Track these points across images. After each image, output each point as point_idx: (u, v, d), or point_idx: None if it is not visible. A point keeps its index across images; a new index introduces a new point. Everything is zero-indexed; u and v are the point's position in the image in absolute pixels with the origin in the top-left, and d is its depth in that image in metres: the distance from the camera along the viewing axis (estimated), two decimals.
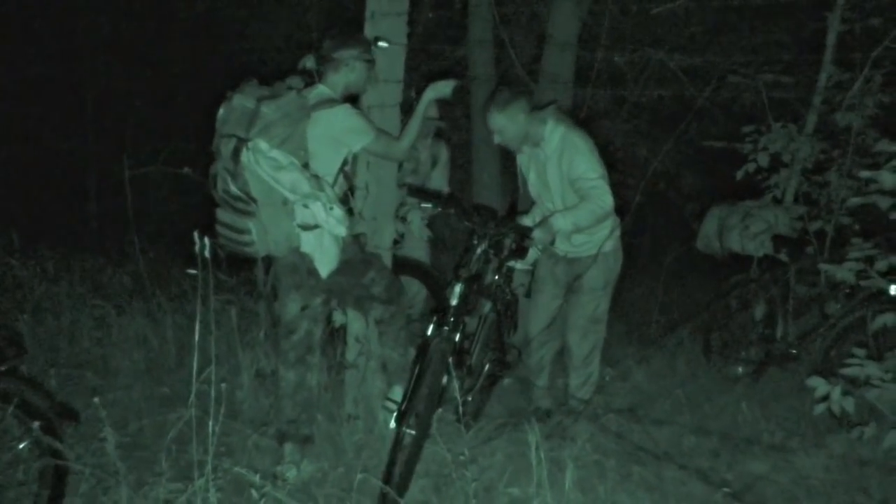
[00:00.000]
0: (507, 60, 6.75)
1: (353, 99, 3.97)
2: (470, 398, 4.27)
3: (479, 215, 3.94)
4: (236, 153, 3.39)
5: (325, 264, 3.65)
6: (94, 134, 8.44)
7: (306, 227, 3.54)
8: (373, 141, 3.73)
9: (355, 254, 3.81)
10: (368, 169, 4.17)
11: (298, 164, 3.45)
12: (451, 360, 3.64)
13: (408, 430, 3.50)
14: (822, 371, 3.80)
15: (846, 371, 3.31)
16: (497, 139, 4.17)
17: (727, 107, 7.10)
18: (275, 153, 3.39)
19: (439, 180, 5.18)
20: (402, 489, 3.45)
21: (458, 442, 4.03)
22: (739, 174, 5.53)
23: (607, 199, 3.97)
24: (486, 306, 4.04)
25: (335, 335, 4.48)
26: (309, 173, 3.49)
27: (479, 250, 4.00)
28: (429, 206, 4.34)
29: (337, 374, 4.36)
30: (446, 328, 3.65)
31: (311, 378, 3.85)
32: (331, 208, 3.46)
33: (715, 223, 5.73)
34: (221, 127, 3.50)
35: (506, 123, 4.08)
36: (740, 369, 5.40)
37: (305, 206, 3.48)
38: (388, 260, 4.31)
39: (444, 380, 3.66)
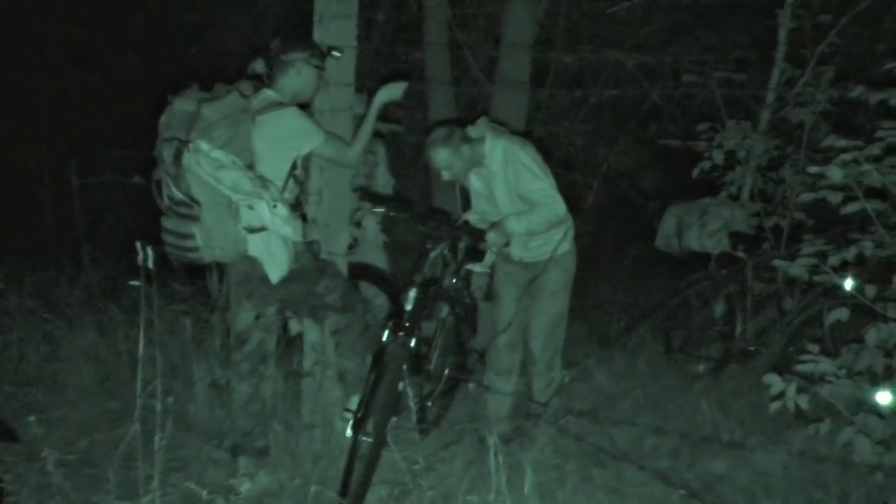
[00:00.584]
0: (464, 63, 6.73)
1: (303, 106, 3.92)
2: (430, 404, 4.24)
3: (433, 219, 3.89)
4: (178, 156, 3.31)
5: (275, 269, 3.57)
6: (46, 142, 8.24)
7: (252, 230, 3.45)
8: (321, 144, 3.66)
9: (308, 261, 3.74)
10: (321, 174, 4.11)
11: (240, 163, 3.37)
12: (406, 366, 3.59)
13: (364, 439, 3.45)
14: (781, 367, 3.80)
15: (800, 368, 3.31)
16: (445, 175, 4.07)
17: (685, 106, 7.13)
18: (216, 153, 3.31)
19: (383, 178, 5.14)
20: (358, 499, 3.39)
21: (416, 449, 4.01)
22: (695, 172, 5.55)
23: (559, 208, 3.95)
24: (444, 310, 4.00)
25: (291, 343, 4.41)
26: (252, 173, 3.40)
27: (433, 254, 3.96)
28: (381, 210, 4.27)
29: (294, 383, 4.29)
30: (402, 334, 3.60)
31: (265, 389, 3.78)
32: (274, 206, 3.38)
33: (673, 222, 5.75)
34: (163, 131, 3.43)
35: (451, 158, 4.00)
36: (701, 367, 5.41)
37: (250, 207, 3.40)
38: (343, 266, 4.25)
39: (401, 386, 3.61)
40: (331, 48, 3.90)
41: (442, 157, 3.99)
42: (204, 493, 3.17)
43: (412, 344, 3.68)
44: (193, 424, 4.08)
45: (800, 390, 3.25)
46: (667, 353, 5.71)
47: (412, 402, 4.03)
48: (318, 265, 3.80)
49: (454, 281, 4.12)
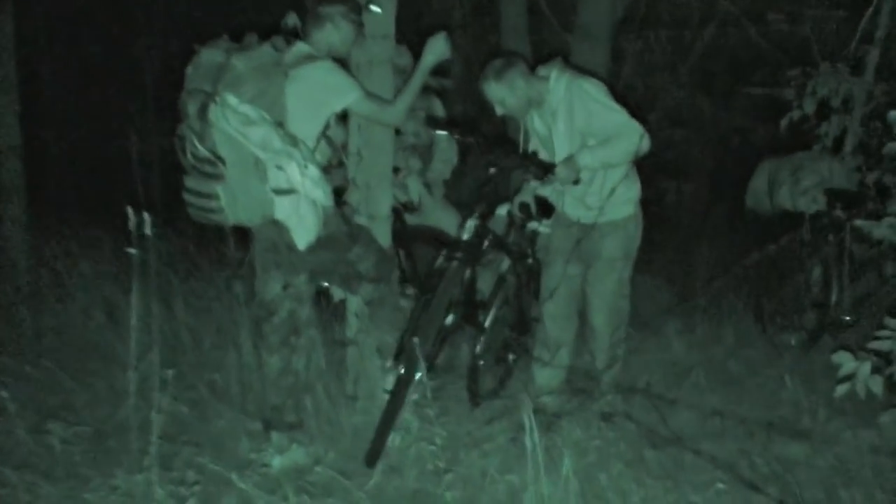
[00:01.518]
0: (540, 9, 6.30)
1: (341, 63, 3.68)
2: (482, 362, 3.99)
3: (499, 146, 3.62)
4: (203, 110, 3.11)
5: (303, 234, 3.32)
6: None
7: (280, 192, 3.21)
8: (358, 100, 3.39)
9: (338, 227, 3.49)
10: (360, 132, 3.88)
11: (270, 119, 3.14)
12: (456, 297, 3.40)
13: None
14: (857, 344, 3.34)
15: (874, 345, 2.85)
16: (499, 110, 3.79)
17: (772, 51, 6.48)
18: (245, 108, 3.08)
19: (441, 139, 4.83)
20: (379, 437, 3.35)
21: (462, 422, 3.80)
22: (783, 123, 4.99)
23: (642, 137, 3.56)
24: (505, 264, 3.73)
25: (336, 310, 4.23)
26: (283, 130, 3.17)
27: (500, 212, 3.76)
28: (443, 133, 4.16)
29: (336, 352, 4.11)
30: (456, 261, 3.39)
31: (298, 362, 3.62)
32: (305, 167, 3.14)
33: (765, 178, 5.23)
34: (189, 83, 3.23)
35: (505, 93, 3.71)
36: (792, 339, 4.92)
37: (279, 167, 3.17)
38: (386, 231, 4.01)
39: (449, 319, 3.40)
40: (369, 2, 3.64)
41: (492, 91, 3.73)
42: (233, 474, 3.05)
43: (466, 276, 3.44)
44: (228, 395, 3.96)
45: (874, 371, 2.80)
46: (756, 321, 5.22)
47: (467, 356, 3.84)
48: (350, 231, 3.57)
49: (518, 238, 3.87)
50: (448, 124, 4.05)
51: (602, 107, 3.59)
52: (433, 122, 4.34)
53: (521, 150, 3.91)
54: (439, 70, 4.47)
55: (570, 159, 3.60)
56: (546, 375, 3.96)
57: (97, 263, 5.39)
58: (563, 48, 6.33)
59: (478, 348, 3.96)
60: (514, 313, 4.22)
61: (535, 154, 3.85)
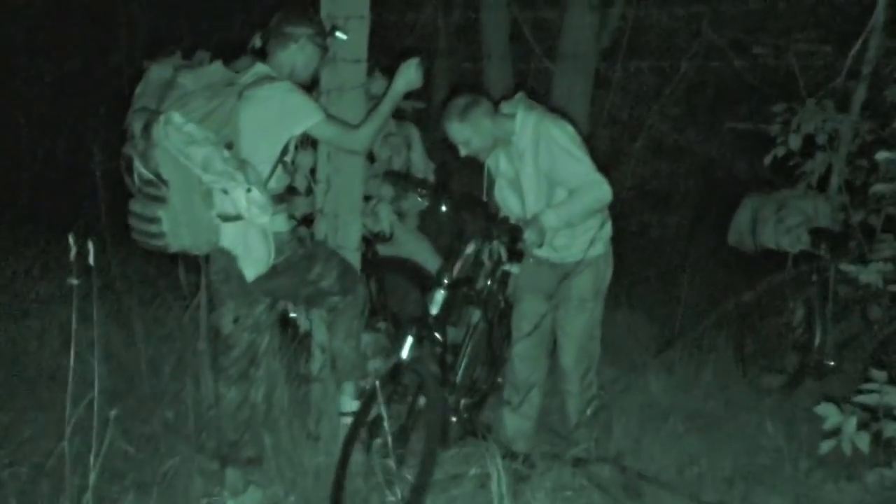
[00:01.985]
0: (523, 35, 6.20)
1: (307, 89, 3.54)
2: (454, 419, 3.78)
3: (468, 210, 3.46)
4: (147, 128, 2.93)
5: (252, 265, 3.14)
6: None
7: (226, 218, 3.04)
8: (318, 124, 3.20)
9: (293, 251, 3.30)
10: (329, 160, 3.73)
11: (215, 139, 2.95)
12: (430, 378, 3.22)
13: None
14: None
15: (860, 399, 2.70)
16: (463, 151, 3.61)
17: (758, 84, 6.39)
18: (189, 127, 2.90)
19: (420, 163, 4.68)
20: None
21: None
22: (768, 159, 4.88)
23: (604, 191, 3.43)
24: (476, 315, 3.57)
25: (301, 342, 4.05)
26: (229, 153, 2.98)
27: (467, 251, 3.55)
28: (417, 197, 3.90)
29: (300, 387, 3.93)
30: (427, 343, 3.21)
31: (256, 394, 3.43)
32: (248, 190, 2.95)
33: (748, 215, 5.10)
34: (136, 101, 3.06)
35: (470, 134, 3.54)
36: (773, 381, 4.77)
37: (225, 191, 2.98)
38: (355, 261, 3.85)
39: (421, 402, 3.21)
40: (334, 28, 3.49)
41: (456, 131, 3.56)
42: None
43: (436, 349, 3.26)
44: (184, 431, 3.76)
45: (861, 426, 2.65)
46: (737, 362, 5.08)
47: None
48: (306, 252, 3.38)
49: (489, 283, 3.67)
50: (415, 184, 3.90)
51: (567, 155, 3.44)
52: (393, 177, 4.16)
53: (487, 209, 3.75)
54: (414, 94, 4.36)
55: (535, 222, 3.44)
56: (516, 420, 3.77)
57: (59, 286, 5.19)
58: (545, 76, 6.25)
59: (450, 404, 3.77)
60: (485, 356, 4.05)
61: (504, 219, 3.68)
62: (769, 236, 4.90)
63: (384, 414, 3.02)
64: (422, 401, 3.27)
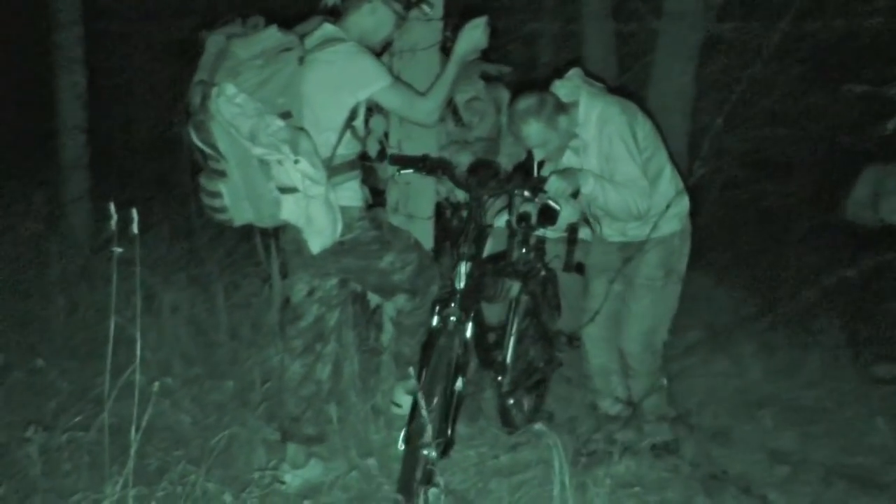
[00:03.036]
0: None
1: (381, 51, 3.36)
2: (511, 401, 3.58)
3: (474, 175, 3.18)
4: (203, 101, 2.82)
5: (316, 237, 2.98)
6: None
7: (285, 190, 2.89)
8: (384, 89, 3.00)
9: (364, 231, 3.12)
10: (401, 124, 3.58)
11: (264, 109, 2.80)
12: (462, 358, 3.00)
13: (424, 451, 2.90)
14: None
15: None
16: (540, 155, 3.34)
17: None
18: (241, 98, 2.77)
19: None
20: None
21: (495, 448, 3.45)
22: (890, 126, 4.38)
23: (643, 203, 3.16)
24: (515, 288, 3.32)
25: (373, 315, 3.94)
26: (282, 122, 2.82)
27: (497, 224, 3.33)
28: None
29: (370, 360, 3.83)
30: (452, 319, 2.99)
31: (322, 370, 3.32)
32: (296, 161, 2.80)
33: (869, 187, 4.66)
34: (196, 74, 2.93)
35: (546, 133, 3.22)
36: (888, 371, 4.36)
37: (279, 162, 2.84)
38: (426, 232, 3.70)
39: (459, 385, 3.01)
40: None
41: (534, 133, 3.21)
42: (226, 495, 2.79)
43: (467, 333, 3.04)
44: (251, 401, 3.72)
45: None
46: (847, 347, 4.67)
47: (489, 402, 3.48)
48: (381, 236, 3.19)
49: (523, 251, 3.41)
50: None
51: (624, 148, 3.17)
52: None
53: (496, 169, 3.46)
54: (497, 56, 4.11)
55: (568, 171, 3.15)
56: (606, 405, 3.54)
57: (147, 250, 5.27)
58: (649, 37, 5.85)
59: (503, 387, 3.55)
60: (537, 332, 3.81)
61: (515, 171, 3.39)
62: (891, 210, 4.45)
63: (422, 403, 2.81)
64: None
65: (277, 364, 3.77)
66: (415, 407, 2.93)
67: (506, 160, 4.31)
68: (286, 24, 3.40)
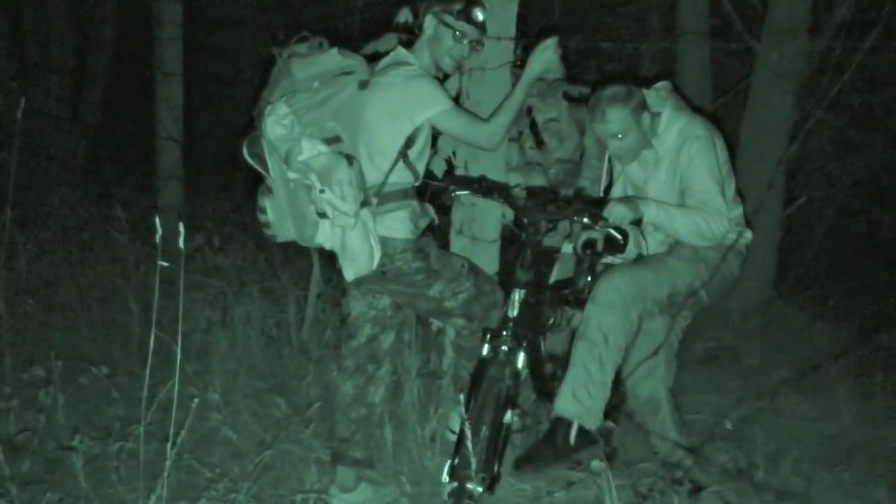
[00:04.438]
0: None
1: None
2: None
3: (533, 199, 3.04)
4: (260, 118, 2.83)
5: (349, 266, 2.92)
6: None
7: (321, 215, 2.83)
8: (444, 114, 2.92)
9: (407, 263, 3.03)
10: (467, 145, 3.48)
11: (312, 132, 2.77)
12: (513, 389, 2.88)
13: (470, 486, 2.78)
14: None
15: None
16: (614, 147, 3.17)
17: None
18: (289, 119, 2.76)
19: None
20: None
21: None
22: None
23: (720, 225, 2.98)
24: (577, 318, 3.17)
25: (435, 337, 3.86)
26: (325, 147, 2.76)
27: (565, 250, 3.19)
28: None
29: (431, 385, 3.74)
30: (503, 349, 2.86)
31: (374, 393, 3.26)
32: (321, 191, 2.73)
33: None
34: (265, 89, 2.97)
35: (628, 123, 3.09)
36: None
37: (317, 189, 2.77)
38: (492, 256, 3.60)
39: (508, 417, 2.89)
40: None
41: (618, 119, 3.08)
42: None
43: (519, 363, 2.91)
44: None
45: None
46: None
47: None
48: (427, 267, 3.08)
49: (589, 280, 3.24)
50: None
51: (705, 167, 3.00)
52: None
53: (553, 199, 3.21)
54: (575, 76, 3.97)
55: (630, 199, 2.99)
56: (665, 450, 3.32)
57: (234, 259, 5.37)
58: (747, 56, 5.59)
59: None
60: None
61: (576, 195, 3.22)
62: None
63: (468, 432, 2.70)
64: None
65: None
66: (460, 439, 2.83)
67: (588, 184, 4.17)
68: (359, 40, 3.41)
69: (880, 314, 5.54)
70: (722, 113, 5.84)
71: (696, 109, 3.32)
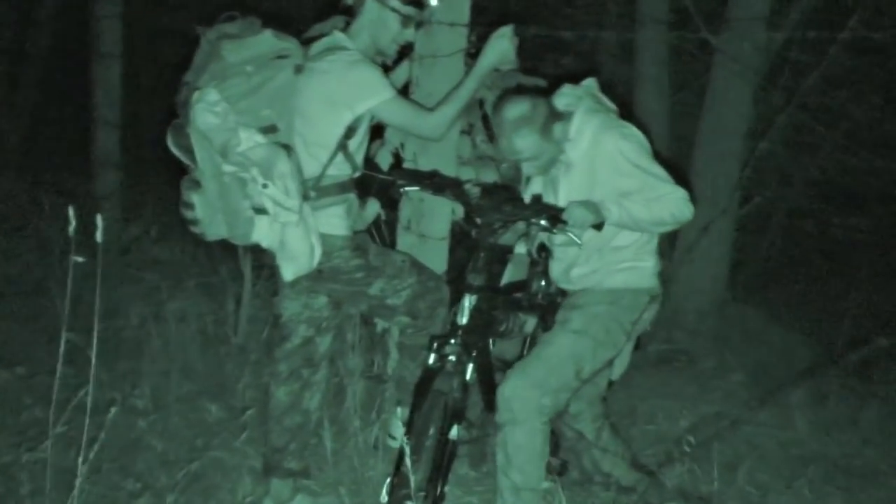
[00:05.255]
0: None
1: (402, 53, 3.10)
2: None
3: (490, 198, 2.85)
4: (185, 104, 2.59)
5: (289, 264, 2.74)
6: None
7: (259, 211, 2.63)
8: (385, 103, 2.73)
9: (345, 260, 2.85)
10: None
11: (247, 121, 2.56)
12: (460, 402, 2.70)
13: None
14: None
15: None
16: (528, 170, 2.90)
17: None
18: (221, 107, 2.53)
19: None
20: None
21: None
22: None
23: (685, 207, 2.72)
24: (531, 324, 3.00)
25: (379, 339, 3.67)
26: (262, 137, 2.57)
27: (518, 251, 3.03)
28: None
29: (375, 388, 3.56)
30: (451, 359, 2.68)
31: (310, 400, 3.06)
32: (264, 186, 2.54)
33: None
34: (187, 74, 2.70)
35: (540, 145, 2.77)
36: None
37: (253, 181, 2.58)
38: (441, 253, 3.43)
39: (454, 432, 2.70)
40: None
41: (526, 144, 2.75)
42: None
43: (468, 374, 2.73)
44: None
45: None
46: None
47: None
48: (367, 264, 2.91)
49: (542, 284, 3.06)
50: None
51: (637, 170, 2.72)
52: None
53: (510, 198, 2.95)
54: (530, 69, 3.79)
55: (590, 202, 2.70)
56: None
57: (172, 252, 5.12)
58: (705, 49, 5.48)
59: None
60: None
61: (537, 199, 2.99)
62: None
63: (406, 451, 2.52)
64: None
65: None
66: (401, 456, 2.65)
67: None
68: (303, 23, 3.20)
69: (834, 318, 5.49)
70: (680, 108, 5.74)
71: (623, 106, 3.07)
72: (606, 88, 3.04)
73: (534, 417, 2.67)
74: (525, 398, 2.66)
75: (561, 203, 2.78)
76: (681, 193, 2.72)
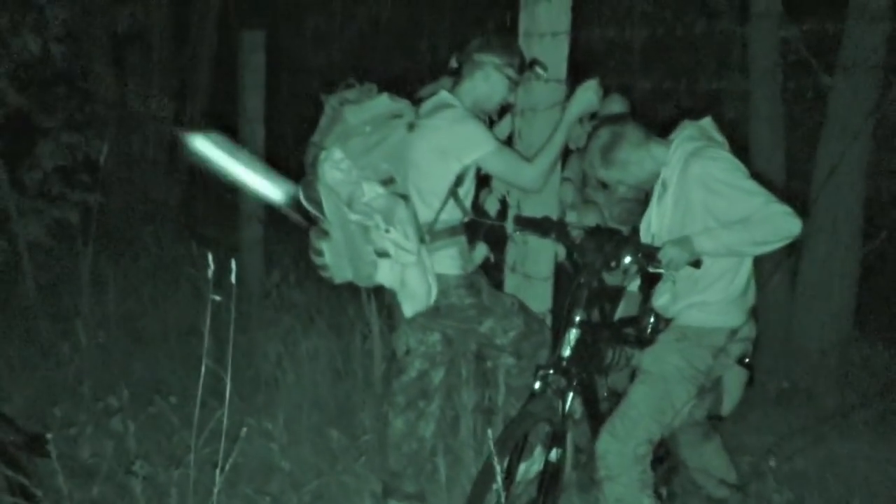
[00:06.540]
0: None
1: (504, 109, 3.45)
2: None
3: (591, 239, 3.01)
4: (314, 162, 2.99)
5: (408, 302, 3.05)
6: None
7: (381, 254, 2.97)
8: (488, 155, 3.07)
9: (460, 299, 3.16)
10: None
11: (369, 175, 2.91)
12: (560, 428, 2.89)
13: None
14: None
15: None
16: (622, 191, 3.13)
17: None
18: (346, 164, 2.90)
19: None
20: None
21: None
22: None
23: (790, 221, 2.72)
24: (638, 357, 3.17)
25: (490, 373, 3.90)
26: (382, 189, 2.92)
27: (630, 288, 3.19)
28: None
29: (488, 420, 3.78)
30: (552, 388, 2.88)
31: (425, 428, 3.35)
32: (386, 230, 2.88)
33: None
34: (315, 134, 3.12)
35: (620, 173, 3.03)
36: None
37: (377, 226, 2.93)
38: (544, 293, 3.64)
39: (553, 455, 2.90)
40: (534, 62, 3.33)
41: (621, 158, 3.00)
42: None
43: (568, 403, 2.92)
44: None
45: None
46: None
47: None
48: (480, 303, 3.21)
49: (652, 320, 3.20)
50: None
51: (732, 189, 2.78)
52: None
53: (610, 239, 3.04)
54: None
55: (683, 240, 2.82)
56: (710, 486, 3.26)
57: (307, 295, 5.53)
58: (822, 92, 5.46)
59: None
60: None
61: (631, 235, 3.12)
62: None
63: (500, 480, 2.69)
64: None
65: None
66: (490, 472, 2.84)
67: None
68: (413, 84, 3.56)
69: None
70: (796, 151, 5.71)
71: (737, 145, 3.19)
72: (729, 127, 3.18)
73: (630, 469, 2.83)
74: (618, 452, 2.84)
75: (653, 227, 2.99)
76: (780, 207, 2.73)
